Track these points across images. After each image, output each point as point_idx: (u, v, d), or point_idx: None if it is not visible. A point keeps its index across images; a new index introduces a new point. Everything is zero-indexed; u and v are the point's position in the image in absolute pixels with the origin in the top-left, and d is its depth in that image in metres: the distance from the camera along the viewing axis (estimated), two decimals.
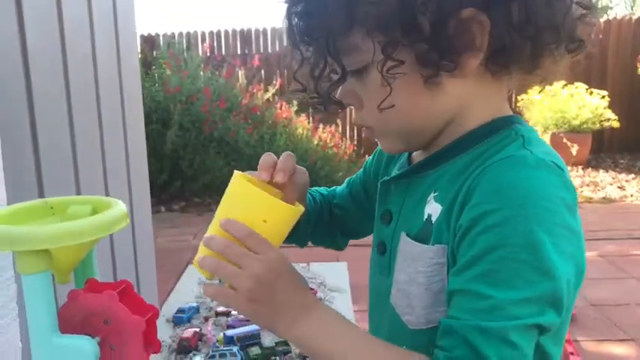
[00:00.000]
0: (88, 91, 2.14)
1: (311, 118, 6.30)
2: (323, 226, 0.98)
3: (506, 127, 0.72)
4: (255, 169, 0.79)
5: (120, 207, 0.83)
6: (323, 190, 1.02)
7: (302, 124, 6.06)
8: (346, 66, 0.71)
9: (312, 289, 1.58)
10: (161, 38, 6.93)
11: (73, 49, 1.91)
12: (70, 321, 0.77)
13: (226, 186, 0.75)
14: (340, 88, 0.74)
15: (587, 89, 6.19)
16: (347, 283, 1.66)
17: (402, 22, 0.65)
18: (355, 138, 6.93)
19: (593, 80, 6.43)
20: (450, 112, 0.73)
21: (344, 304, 1.53)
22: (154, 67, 6.00)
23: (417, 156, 0.82)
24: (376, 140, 0.81)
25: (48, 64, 1.73)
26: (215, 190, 5.61)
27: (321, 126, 6.20)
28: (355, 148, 6.46)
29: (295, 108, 6.24)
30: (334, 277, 1.34)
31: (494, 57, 0.68)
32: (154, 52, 6.37)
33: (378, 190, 0.86)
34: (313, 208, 0.96)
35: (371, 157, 0.97)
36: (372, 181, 0.94)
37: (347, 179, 1.03)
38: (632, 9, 9.04)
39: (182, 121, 5.54)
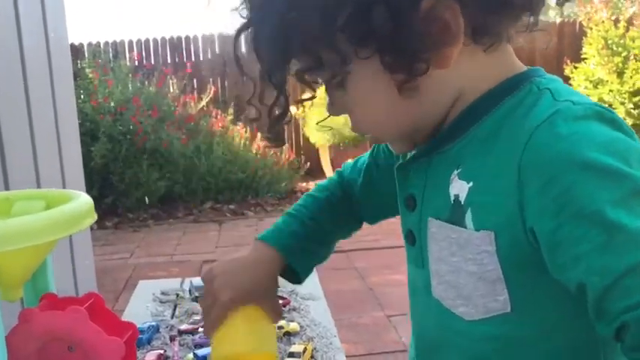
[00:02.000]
0: (18, 102, 1.94)
1: (248, 127, 6.14)
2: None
3: (523, 83, 0.64)
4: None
5: (83, 199, 0.65)
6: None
7: (239, 132, 5.90)
8: (322, 80, 0.67)
9: (284, 298, 1.42)
10: (86, 47, 6.61)
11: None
12: (22, 350, 0.59)
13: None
14: (328, 101, 0.70)
15: None
16: (320, 290, 1.52)
17: (348, 32, 0.60)
18: (294, 144, 6.80)
19: None
20: (450, 96, 0.66)
21: (321, 313, 1.39)
22: (79, 79, 5.68)
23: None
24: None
25: None
26: (150, 205, 5.35)
27: (259, 134, 6.04)
28: (295, 155, 6.34)
29: (231, 117, 6.07)
30: (305, 284, 1.22)
31: (478, 36, 0.62)
32: (80, 63, 6.04)
33: (395, 175, 0.76)
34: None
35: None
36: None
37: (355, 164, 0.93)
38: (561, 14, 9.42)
39: (112, 133, 5.26)
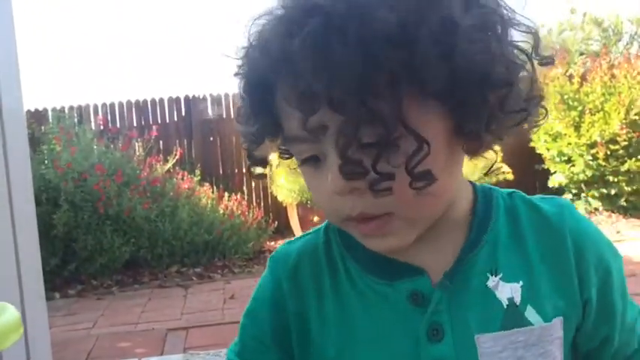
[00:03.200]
0: None
1: (215, 187, 6.12)
2: None
3: (488, 191, 0.72)
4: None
5: (10, 313, 0.64)
6: None
7: (206, 193, 5.87)
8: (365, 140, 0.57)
9: None
10: (50, 112, 6.57)
11: None
12: None
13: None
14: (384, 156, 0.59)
15: None
16: None
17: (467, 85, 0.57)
18: (262, 204, 6.78)
19: None
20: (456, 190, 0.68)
21: None
22: (42, 145, 5.62)
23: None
24: (377, 235, 0.63)
25: None
26: (114, 271, 5.24)
27: (226, 194, 6.02)
28: (263, 214, 6.31)
29: (198, 177, 6.05)
30: None
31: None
32: (42, 128, 6.00)
33: (383, 314, 0.67)
34: None
35: (258, 318, 0.73)
36: (294, 327, 0.71)
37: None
38: None
39: (74, 200, 5.18)
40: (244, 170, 6.69)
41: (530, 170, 6.71)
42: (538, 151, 6.47)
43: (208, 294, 4.60)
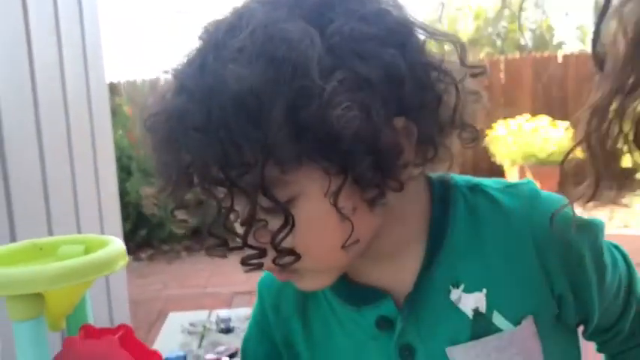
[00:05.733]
0: (59, 132, 2.08)
1: None
2: None
3: (447, 191, 0.68)
4: None
5: (117, 244, 0.76)
6: None
7: None
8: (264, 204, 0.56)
9: None
10: (123, 85, 6.86)
11: (44, 93, 1.85)
12: None
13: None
14: (252, 231, 0.58)
15: (550, 121, 6.32)
16: None
17: (338, 145, 0.53)
18: None
19: (556, 112, 6.57)
20: (386, 219, 0.63)
21: None
22: (116, 115, 5.89)
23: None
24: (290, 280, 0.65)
25: (18, 109, 1.67)
26: (184, 237, 5.48)
27: None
28: None
29: None
30: None
31: (424, 160, 0.60)
32: (117, 99, 6.28)
33: (361, 343, 0.70)
34: None
35: (253, 347, 0.80)
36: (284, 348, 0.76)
37: None
38: (583, 43, 9.51)
39: (146, 168, 5.43)
40: None
41: None
42: None
43: None
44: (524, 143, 6.19)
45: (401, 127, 0.57)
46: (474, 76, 0.61)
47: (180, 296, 4.02)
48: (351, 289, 0.69)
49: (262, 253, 0.59)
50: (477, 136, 0.63)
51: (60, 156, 2.08)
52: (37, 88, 1.84)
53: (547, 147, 6.07)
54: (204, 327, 1.75)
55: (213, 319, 1.84)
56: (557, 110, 6.72)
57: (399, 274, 0.67)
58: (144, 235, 5.46)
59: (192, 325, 1.76)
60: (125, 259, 0.75)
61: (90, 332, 0.75)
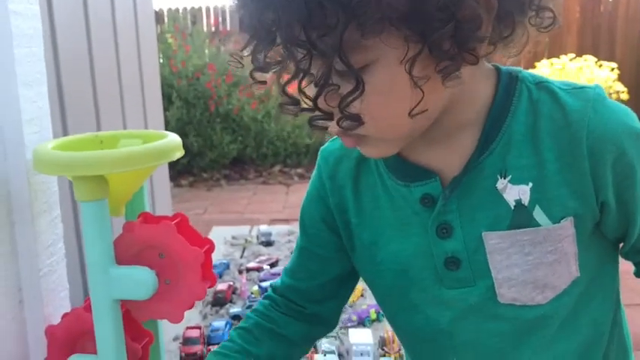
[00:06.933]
0: (109, 56, 2.12)
1: None
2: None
3: (512, 83, 0.69)
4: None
5: (173, 137, 0.81)
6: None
7: None
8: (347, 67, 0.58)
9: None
10: (166, 13, 6.86)
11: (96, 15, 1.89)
12: (124, 254, 0.75)
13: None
14: (324, 94, 0.61)
15: (596, 62, 6.15)
16: None
17: (420, 10, 0.55)
18: None
19: (602, 52, 6.38)
20: (452, 97, 0.66)
21: None
22: (159, 43, 5.92)
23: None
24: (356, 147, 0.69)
25: (72, 33, 1.71)
26: (223, 166, 5.59)
27: None
28: None
29: None
30: None
31: (500, 38, 0.62)
32: (160, 27, 6.30)
33: (408, 213, 0.74)
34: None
35: (310, 210, 0.86)
36: (339, 222, 0.82)
37: (284, 269, 0.90)
38: None
39: (187, 97, 5.50)
40: None
41: None
42: None
43: None
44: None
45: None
46: None
47: (220, 220, 4.14)
48: (404, 167, 0.73)
49: (330, 116, 0.62)
50: (554, 22, 0.64)
51: (109, 80, 2.14)
52: (89, 12, 1.88)
53: None
54: (246, 240, 1.83)
55: (254, 233, 1.91)
56: (604, 51, 6.52)
57: (450, 156, 0.70)
58: (184, 162, 5.58)
59: (234, 237, 1.84)
60: (181, 151, 0.80)
61: (148, 218, 0.80)
